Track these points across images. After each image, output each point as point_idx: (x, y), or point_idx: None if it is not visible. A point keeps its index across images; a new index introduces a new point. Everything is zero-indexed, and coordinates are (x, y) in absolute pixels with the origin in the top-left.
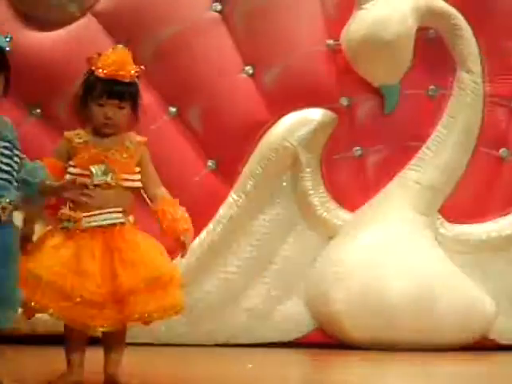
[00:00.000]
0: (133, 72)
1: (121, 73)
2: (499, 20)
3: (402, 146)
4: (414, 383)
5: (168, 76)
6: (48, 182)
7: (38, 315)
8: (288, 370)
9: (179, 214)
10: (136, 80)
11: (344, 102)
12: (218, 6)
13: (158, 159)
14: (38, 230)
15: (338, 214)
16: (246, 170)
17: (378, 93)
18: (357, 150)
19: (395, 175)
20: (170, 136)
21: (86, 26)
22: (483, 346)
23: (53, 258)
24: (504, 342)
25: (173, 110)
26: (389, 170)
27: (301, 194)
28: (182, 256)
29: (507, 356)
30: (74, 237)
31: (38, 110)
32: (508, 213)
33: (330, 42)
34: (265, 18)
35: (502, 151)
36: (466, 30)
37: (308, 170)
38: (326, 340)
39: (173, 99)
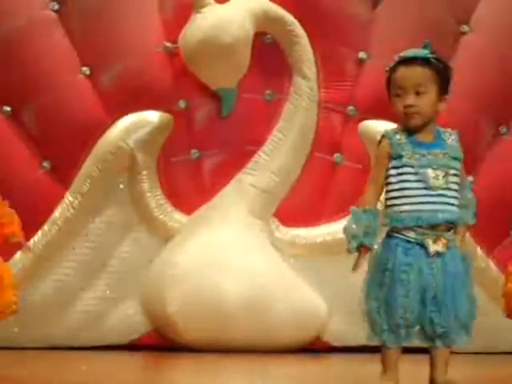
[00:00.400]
0: None
1: None
2: (334, 27)
3: (239, 150)
4: None
5: (1, 75)
6: None
7: None
8: (123, 373)
9: (5, 217)
10: None
11: (182, 104)
12: (56, 5)
13: None
14: None
15: (174, 217)
16: (83, 171)
17: (215, 96)
18: (194, 153)
19: (232, 179)
20: (4, 135)
21: None
22: (317, 347)
23: None
24: (337, 343)
25: (7, 109)
26: (225, 173)
27: (137, 196)
28: (27, 250)
29: (340, 357)
30: None
31: None
32: (342, 217)
33: (168, 44)
34: (102, 19)
35: (336, 156)
36: (302, 37)
37: (145, 172)
38: (161, 342)
39: (7, 98)
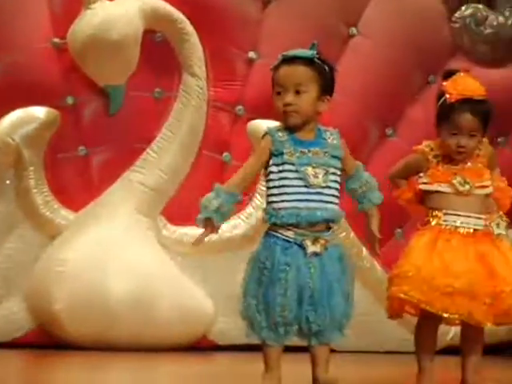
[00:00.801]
0: None
1: None
2: (224, 27)
3: (127, 147)
4: (133, 382)
5: None
6: None
7: None
8: (5, 369)
9: None
10: None
11: (69, 100)
12: None
13: None
14: None
15: (61, 213)
16: None
17: (103, 93)
18: (81, 150)
19: (120, 176)
20: None
21: None
22: (203, 346)
23: None
24: (222, 342)
25: None
26: (113, 170)
27: (23, 193)
28: None
29: (225, 356)
30: None
31: None
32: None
33: (56, 40)
34: None
35: (225, 155)
36: (192, 35)
37: (31, 168)
38: (46, 340)
39: None
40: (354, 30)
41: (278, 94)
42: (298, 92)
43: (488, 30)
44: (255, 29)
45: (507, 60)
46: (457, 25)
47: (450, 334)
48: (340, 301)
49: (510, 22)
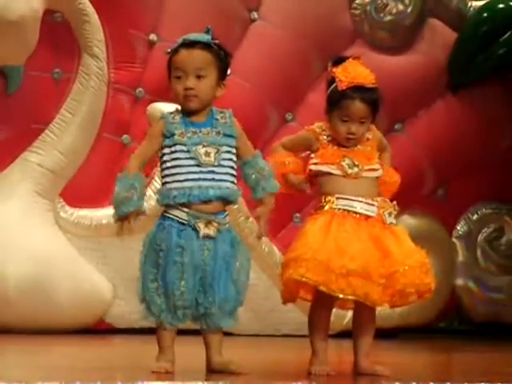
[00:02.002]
0: None
1: None
2: (125, 8)
3: (25, 128)
4: (30, 364)
5: None
6: None
7: None
8: None
9: None
10: None
11: None
12: None
13: None
14: None
15: None
16: None
17: (1, 73)
18: None
19: (17, 157)
20: None
21: None
22: (101, 329)
23: None
24: (119, 325)
25: None
26: (11, 151)
27: None
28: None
29: (122, 338)
30: None
31: None
32: None
33: None
34: None
35: (124, 138)
36: (92, 16)
37: None
38: None
39: None
40: (255, 15)
41: (178, 78)
42: (198, 77)
43: (387, 18)
44: (156, 11)
45: (406, 47)
46: (357, 11)
47: (345, 318)
48: (230, 285)
49: (409, 9)
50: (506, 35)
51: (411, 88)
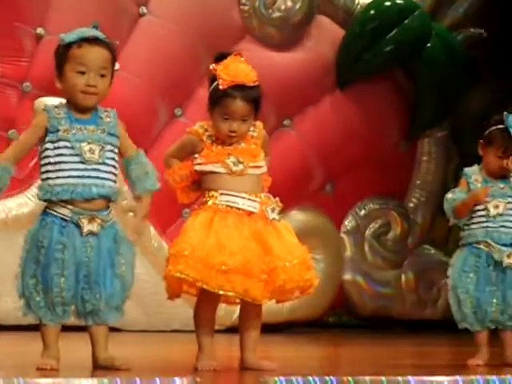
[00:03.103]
0: None
1: None
2: (12, 2)
3: None
4: None
5: None
6: None
7: None
8: None
9: None
10: None
11: None
12: None
13: None
14: None
15: None
16: None
17: None
18: None
19: None
20: None
21: None
22: None
23: None
24: (6, 322)
25: None
26: None
27: None
28: None
29: (8, 336)
30: None
31: None
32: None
33: None
34: None
35: (11, 132)
36: None
37: None
38: None
39: None
40: (144, 9)
41: (80, 72)
42: (102, 75)
43: (276, 14)
44: (43, 4)
45: (294, 44)
46: (246, 7)
47: (234, 313)
48: (115, 281)
49: (297, 6)
50: (393, 33)
51: (299, 84)
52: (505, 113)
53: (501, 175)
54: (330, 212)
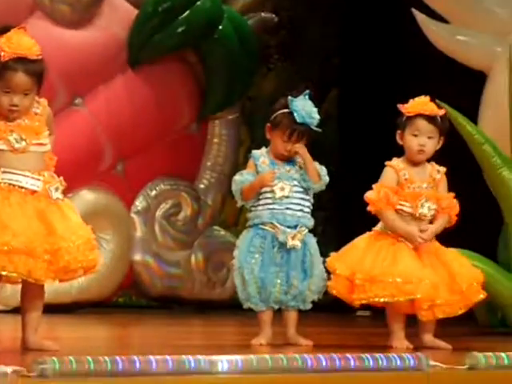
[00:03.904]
0: None
1: None
2: None
3: None
4: None
5: None
6: None
7: None
8: None
9: None
10: None
11: None
12: None
13: None
14: None
15: None
16: None
17: None
18: None
19: None
20: None
21: None
22: None
23: None
24: None
25: None
26: None
27: None
28: None
29: None
30: None
31: None
32: None
33: None
34: None
35: None
36: None
37: None
38: None
39: None
40: None
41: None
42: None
43: None
44: None
45: (86, 22)
46: None
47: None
48: None
49: None
50: (185, 14)
51: (90, 62)
52: (289, 97)
53: (288, 158)
54: (120, 192)
